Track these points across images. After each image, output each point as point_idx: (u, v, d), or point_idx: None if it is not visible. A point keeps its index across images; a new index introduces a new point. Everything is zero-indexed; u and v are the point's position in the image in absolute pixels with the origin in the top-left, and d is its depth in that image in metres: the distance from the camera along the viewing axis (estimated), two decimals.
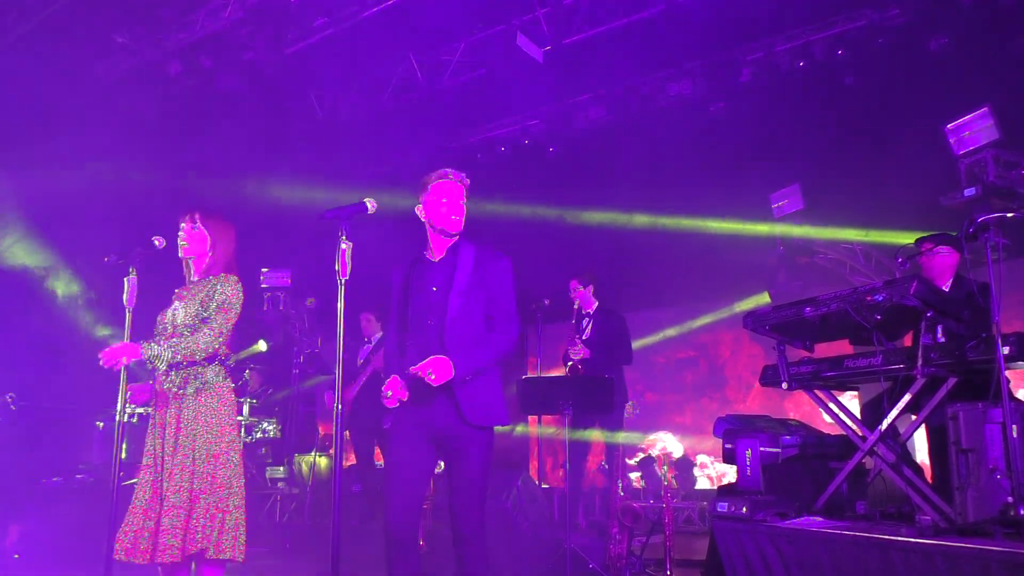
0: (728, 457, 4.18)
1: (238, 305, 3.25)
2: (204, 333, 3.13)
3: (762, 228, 8.07)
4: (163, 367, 3.06)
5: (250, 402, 7.36)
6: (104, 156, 7.24)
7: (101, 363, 2.99)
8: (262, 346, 8.71)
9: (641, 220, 8.98)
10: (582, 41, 7.29)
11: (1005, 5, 6.24)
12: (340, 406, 2.55)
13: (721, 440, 4.26)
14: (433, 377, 2.73)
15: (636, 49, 7.30)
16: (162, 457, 3.10)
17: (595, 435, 5.80)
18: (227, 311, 3.20)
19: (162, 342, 3.10)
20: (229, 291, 3.22)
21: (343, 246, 2.61)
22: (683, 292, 9.30)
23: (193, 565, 3.12)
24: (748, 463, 4.00)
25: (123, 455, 3.23)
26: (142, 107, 7.57)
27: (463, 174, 3.11)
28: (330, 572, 2.39)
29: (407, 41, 7.88)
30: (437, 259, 3.06)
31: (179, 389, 3.15)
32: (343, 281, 2.60)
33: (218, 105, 7.59)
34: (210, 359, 3.21)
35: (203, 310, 3.19)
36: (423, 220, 3.08)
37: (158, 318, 3.29)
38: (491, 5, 7.19)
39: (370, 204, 2.75)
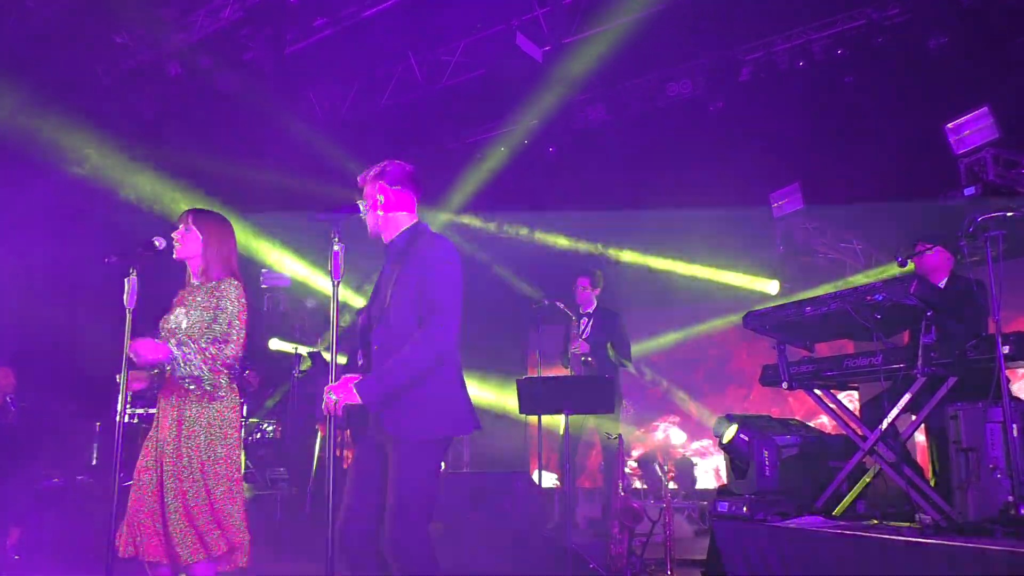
0: (739, 456, 4.14)
1: (244, 308, 3.27)
2: (230, 346, 3.14)
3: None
4: (182, 372, 3.04)
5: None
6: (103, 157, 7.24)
7: (131, 354, 2.98)
8: (273, 344, 8.79)
9: (642, 220, 8.99)
10: (582, 41, 7.29)
11: (1005, 5, 6.24)
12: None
13: (733, 439, 4.20)
14: (335, 400, 2.54)
15: (636, 49, 7.29)
16: (162, 458, 3.11)
17: (592, 422, 5.85)
18: (241, 319, 3.22)
19: (190, 345, 3.09)
20: (235, 296, 3.23)
21: (335, 248, 2.60)
22: (686, 289, 9.32)
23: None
24: (767, 463, 3.98)
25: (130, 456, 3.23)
26: (142, 108, 7.57)
27: (380, 169, 2.86)
28: (325, 572, 2.39)
29: (407, 41, 7.88)
30: (387, 257, 2.92)
31: (183, 390, 3.16)
32: (336, 283, 2.59)
33: (218, 105, 7.59)
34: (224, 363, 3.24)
35: (208, 316, 3.18)
36: None
37: (161, 323, 3.29)
38: (491, 5, 7.19)
39: (363, 207, 2.74)
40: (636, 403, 8.84)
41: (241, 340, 3.20)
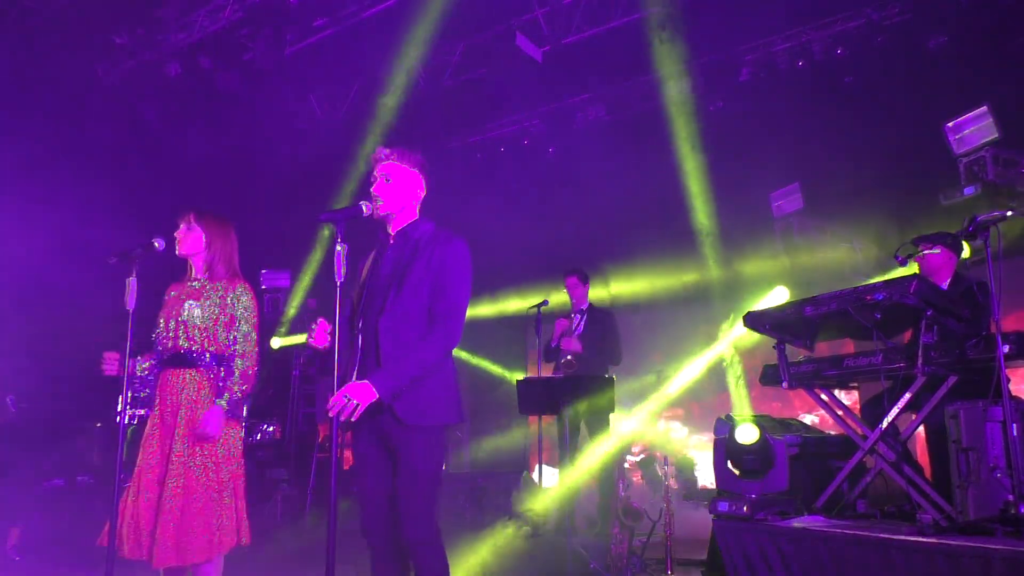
0: (753, 456, 4.09)
1: (256, 315, 3.40)
2: (247, 355, 3.29)
3: None
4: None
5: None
6: (104, 156, 7.24)
7: (203, 431, 3.10)
8: (276, 343, 8.82)
9: (643, 219, 8.98)
10: (582, 41, 7.29)
11: (1005, 4, 6.24)
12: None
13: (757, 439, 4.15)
14: (356, 404, 2.48)
15: (636, 49, 7.30)
16: (161, 458, 3.11)
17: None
18: (253, 323, 3.34)
19: (180, 341, 3.20)
20: (249, 303, 3.35)
21: (339, 248, 2.58)
22: (686, 288, 9.32)
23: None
24: (785, 464, 3.95)
25: (128, 457, 3.23)
26: (142, 108, 7.58)
27: (398, 148, 2.84)
28: (325, 572, 2.38)
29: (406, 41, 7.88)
30: (391, 243, 2.84)
31: (181, 390, 3.16)
32: (340, 283, 2.58)
33: (218, 105, 7.60)
34: (219, 360, 3.23)
35: (221, 312, 3.26)
36: None
37: (161, 320, 3.29)
38: (491, 5, 7.19)
39: (365, 207, 2.72)
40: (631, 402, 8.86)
41: (256, 341, 3.35)
